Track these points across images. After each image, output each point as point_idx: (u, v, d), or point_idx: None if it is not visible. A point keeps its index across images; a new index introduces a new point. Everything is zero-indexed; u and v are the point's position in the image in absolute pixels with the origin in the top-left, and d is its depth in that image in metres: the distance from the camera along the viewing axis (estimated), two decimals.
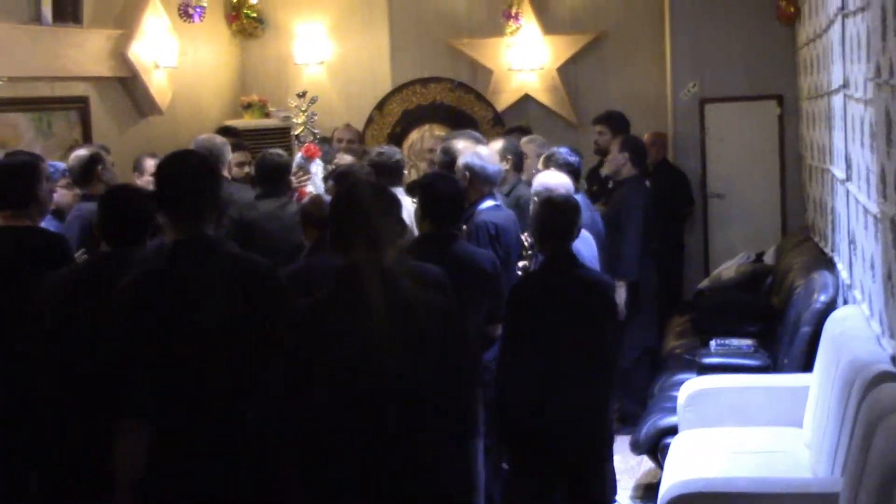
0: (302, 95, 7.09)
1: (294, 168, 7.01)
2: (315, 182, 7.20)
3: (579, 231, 5.16)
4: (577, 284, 4.98)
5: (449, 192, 5.40)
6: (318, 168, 7.33)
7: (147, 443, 3.48)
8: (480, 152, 6.25)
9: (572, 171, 6.59)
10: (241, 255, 3.69)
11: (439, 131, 9.78)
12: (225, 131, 8.75)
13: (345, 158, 7.71)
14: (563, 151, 6.83)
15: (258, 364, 3.48)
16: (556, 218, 5.01)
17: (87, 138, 8.35)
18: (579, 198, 5.92)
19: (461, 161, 6.20)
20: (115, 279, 3.64)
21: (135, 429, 3.49)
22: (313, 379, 3.36)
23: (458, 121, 9.92)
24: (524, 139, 7.81)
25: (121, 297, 3.55)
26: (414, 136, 10.36)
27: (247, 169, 7.87)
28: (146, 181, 7.00)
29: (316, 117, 7.46)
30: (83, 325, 4.01)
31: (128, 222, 4.23)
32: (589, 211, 6.72)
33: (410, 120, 10.46)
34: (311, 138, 7.32)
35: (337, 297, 3.44)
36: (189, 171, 3.66)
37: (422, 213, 5.47)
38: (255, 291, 3.57)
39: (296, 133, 7.54)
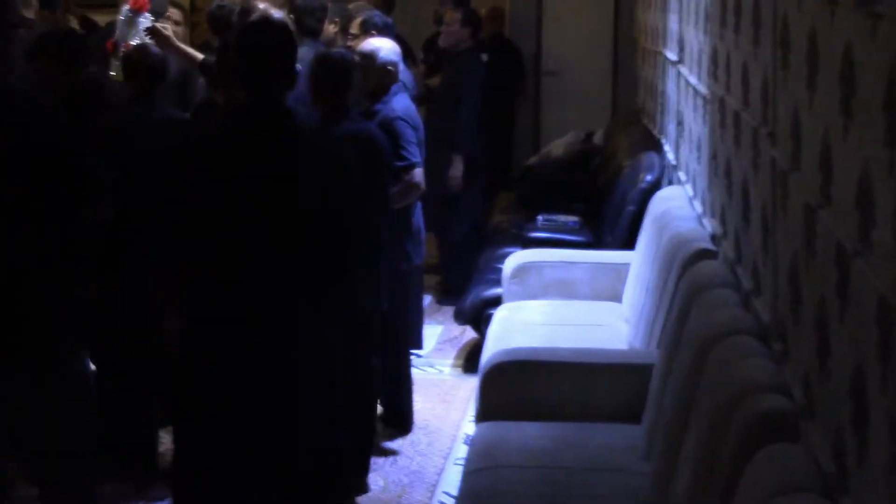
0: None
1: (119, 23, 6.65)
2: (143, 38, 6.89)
3: (351, 87, 5.14)
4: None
5: None
6: (146, 22, 7.00)
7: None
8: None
9: (391, 33, 6.48)
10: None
11: None
12: None
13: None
14: (376, 15, 6.67)
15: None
16: (330, 72, 5.02)
17: None
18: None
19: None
20: None
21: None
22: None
23: None
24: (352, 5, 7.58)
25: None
26: None
27: None
28: None
29: None
30: None
31: None
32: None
33: None
34: None
35: (230, 134, 3.47)
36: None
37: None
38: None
39: None
